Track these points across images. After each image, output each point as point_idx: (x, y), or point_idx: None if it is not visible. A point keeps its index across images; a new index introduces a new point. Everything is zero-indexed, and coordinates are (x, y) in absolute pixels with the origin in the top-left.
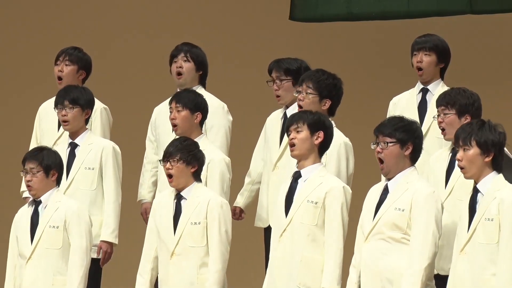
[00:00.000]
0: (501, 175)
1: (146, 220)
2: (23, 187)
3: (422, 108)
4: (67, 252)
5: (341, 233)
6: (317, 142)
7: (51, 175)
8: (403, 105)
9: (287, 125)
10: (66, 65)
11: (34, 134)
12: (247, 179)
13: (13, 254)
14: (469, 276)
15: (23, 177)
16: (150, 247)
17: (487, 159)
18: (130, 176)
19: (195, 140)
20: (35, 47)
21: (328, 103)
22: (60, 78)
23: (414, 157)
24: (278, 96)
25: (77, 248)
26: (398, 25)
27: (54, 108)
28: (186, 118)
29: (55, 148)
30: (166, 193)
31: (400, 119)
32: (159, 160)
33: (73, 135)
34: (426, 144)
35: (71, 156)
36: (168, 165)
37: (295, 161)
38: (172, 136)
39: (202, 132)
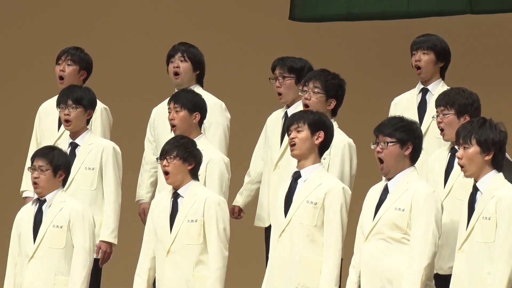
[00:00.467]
0: (501, 174)
1: (144, 221)
2: (23, 186)
3: (422, 108)
4: (70, 252)
5: (340, 234)
6: (317, 142)
7: (58, 175)
8: (404, 105)
9: (287, 125)
10: (68, 65)
11: (34, 134)
12: (246, 179)
13: (13, 252)
14: (467, 274)
15: (30, 173)
16: (148, 247)
17: (487, 158)
18: (130, 177)
19: (194, 140)
20: (35, 47)
21: (333, 103)
22: (61, 78)
23: (414, 157)
24: (280, 95)
25: (80, 248)
26: (398, 25)
27: (56, 107)
28: (185, 118)
29: None
30: (164, 193)
31: (400, 119)
32: (157, 158)
33: (74, 135)
34: (425, 144)
35: (71, 156)
36: (164, 162)
37: (296, 160)
38: (171, 136)
39: (201, 132)
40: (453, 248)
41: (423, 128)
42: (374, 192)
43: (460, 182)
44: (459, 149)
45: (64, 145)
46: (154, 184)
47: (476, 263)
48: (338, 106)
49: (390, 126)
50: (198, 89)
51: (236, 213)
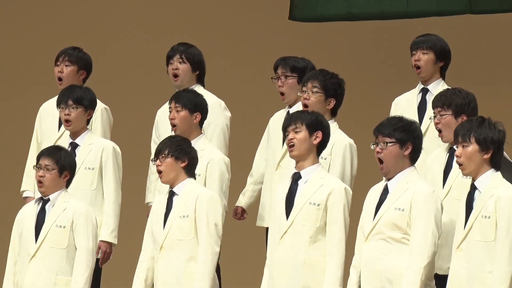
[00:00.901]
0: (499, 173)
1: None
2: (24, 186)
3: (422, 108)
4: (72, 253)
5: (343, 235)
6: (315, 142)
7: (63, 176)
8: (404, 105)
9: (284, 126)
10: (66, 65)
11: (35, 134)
12: (249, 179)
13: (14, 251)
14: (465, 273)
15: (35, 172)
16: (147, 248)
17: (486, 156)
18: (130, 177)
19: (195, 140)
20: (35, 47)
21: (332, 103)
22: (60, 79)
23: (413, 157)
24: (282, 94)
25: (83, 249)
26: (398, 25)
27: (57, 107)
28: (185, 118)
29: None
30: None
31: (400, 119)
32: (152, 160)
33: (74, 135)
34: (425, 144)
35: None
36: (158, 161)
37: None
38: None
39: (202, 132)
40: (452, 248)
41: (423, 128)
42: (374, 192)
43: (459, 182)
44: (457, 147)
45: (64, 145)
46: None
47: (475, 262)
48: (338, 106)
49: (389, 126)
50: (199, 89)
51: (239, 213)
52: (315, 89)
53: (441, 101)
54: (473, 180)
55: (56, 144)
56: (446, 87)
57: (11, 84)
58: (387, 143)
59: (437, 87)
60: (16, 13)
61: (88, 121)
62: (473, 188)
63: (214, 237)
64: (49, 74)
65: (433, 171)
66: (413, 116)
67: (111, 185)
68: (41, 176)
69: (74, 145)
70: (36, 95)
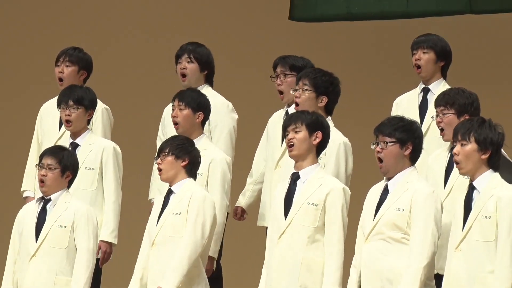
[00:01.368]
0: (497, 174)
1: None
2: (24, 186)
3: (423, 107)
4: (72, 253)
5: (341, 235)
6: (315, 142)
7: (65, 176)
8: (405, 105)
9: (284, 125)
10: (67, 66)
11: (35, 134)
12: (249, 179)
13: (13, 250)
14: (465, 274)
15: (38, 171)
16: (145, 247)
17: (484, 157)
18: (131, 177)
19: (196, 139)
20: (35, 47)
21: (324, 100)
22: (61, 79)
23: (414, 157)
24: (281, 93)
25: (84, 249)
26: (398, 25)
27: (57, 107)
28: (188, 117)
29: None
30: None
31: (400, 119)
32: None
33: (74, 135)
34: (425, 144)
35: None
36: (159, 160)
37: None
38: None
39: (204, 132)
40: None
41: (424, 127)
42: (374, 192)
43: (460, 183)
44: (455, 145)
45: (64, 145)
46: None
47: (474, 262)
48: (332, 104)
49: (389, 126)
50: (207, 89)
51: (239, 214)
52: (305, 87)
53: (444, 100)
54: (471, 180)
55: (57, 144)
56: (447, 87)
57: (11, 84)
58: (387, 142)
59: (438, 87)
60: (16, 13)
61: (88, 121)
62: (471, 188)
63: (198, 235)
64: (49, 74)
65: (434, 171)
66: (414, 116)
67: (111, 185)
68: (43, 175)
69: (74, 145)
70: (36, 95)
